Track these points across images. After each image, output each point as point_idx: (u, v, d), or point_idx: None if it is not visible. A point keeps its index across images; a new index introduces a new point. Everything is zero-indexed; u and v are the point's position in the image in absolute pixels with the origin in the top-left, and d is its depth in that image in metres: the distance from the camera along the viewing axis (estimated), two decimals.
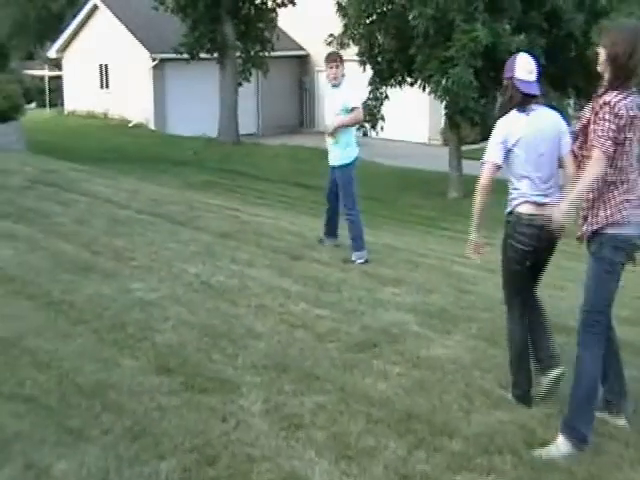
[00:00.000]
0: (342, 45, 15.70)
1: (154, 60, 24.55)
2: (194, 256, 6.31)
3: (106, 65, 26.85)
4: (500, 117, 3.99)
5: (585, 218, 3.57)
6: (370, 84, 15.34)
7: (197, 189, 12.20)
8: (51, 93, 32.34)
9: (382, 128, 15.41)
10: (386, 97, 15.37)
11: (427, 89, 15.27)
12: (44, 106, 32.02)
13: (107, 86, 27.03)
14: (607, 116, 3.45)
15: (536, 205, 3.84)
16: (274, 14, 22.26)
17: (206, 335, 4.48)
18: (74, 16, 29.06)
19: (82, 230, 6.80)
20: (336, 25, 16.45)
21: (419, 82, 15.15)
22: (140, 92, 24.84)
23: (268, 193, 13.97)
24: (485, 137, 16.77)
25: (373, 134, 15.53)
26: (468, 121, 14.95)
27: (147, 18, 23.32)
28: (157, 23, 23.10)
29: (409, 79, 15.47)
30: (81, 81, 27.89)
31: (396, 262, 6.94)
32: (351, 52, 15.99)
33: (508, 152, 3.88)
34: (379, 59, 14.87)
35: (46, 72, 32.54)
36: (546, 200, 3.82)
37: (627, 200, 3.50)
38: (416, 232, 11.33)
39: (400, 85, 15.58)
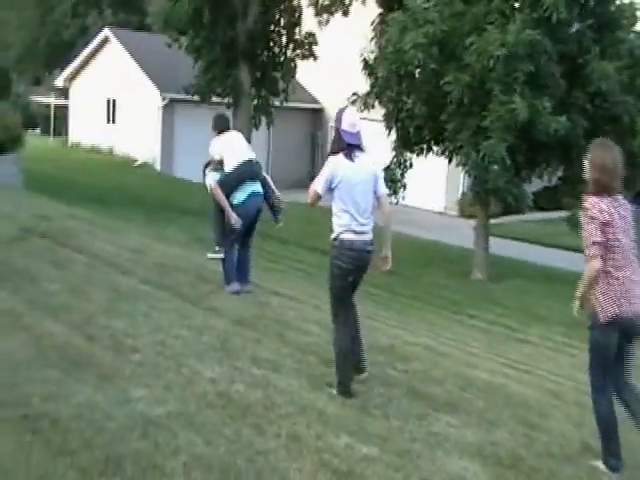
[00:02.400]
0: (366, 105, 14.89)
1: (164, 99, 23.78)
2: (208, 351, 5.21)
3: (114, 100, 26.05)
4: (330, 156, 4.82)
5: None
6: (394, 149, 14.44)
7: (205, 247, 11.10)
8: (56, 121, 31.56)
9: (403, 197, 14.49)
10: (411, 165, 14.47)
11: (454, 161, 14.42)
12: (48, 133, 31.19)
13: (114, 121, 26.19)
14: (586, 219, 4.21)
15: (355, 233, 4.79)
16: (292, 64, 21.54)
17: None
18: (85, 45, 28.43)
19: (76, 304, 5.69)
20: (354, 80, 15.70)
21: (447, 152, 14.27)
22: (147, 131, 23.99)
23: (281, 257, 12.93)
24: (507, 211, 15.80)
25: (392, 200, 14.59)
26: (501, 202, 14.06)
27: (159, 56, 22.64)
28: (169, 62, 22.41)
29: (436, 148, 14.59)
30: (87, 113, 27.09)
31: (444, 375, 5.84)
32: (374, 113, 15.21)
33: (332, 189, 4.76)
34: (406, 124, 13.98)
35: (53, 100, 31.79)
36: (363, 229, 4.80)
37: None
38: (444, 320, 10.26)
39: (426, 153, 14.68)
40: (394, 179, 14.21)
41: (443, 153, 14.23)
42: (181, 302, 6.39)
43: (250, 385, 4.69)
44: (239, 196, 6.97)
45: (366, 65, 14.88)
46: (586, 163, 4.32)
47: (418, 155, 14.53)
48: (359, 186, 4.74)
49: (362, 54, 14.73)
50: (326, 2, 19.69)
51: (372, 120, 19.83)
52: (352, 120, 4.79)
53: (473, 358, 7.17)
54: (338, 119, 4.81)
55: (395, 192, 14.18)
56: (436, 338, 8.03)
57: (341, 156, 4.75)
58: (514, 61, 11.85)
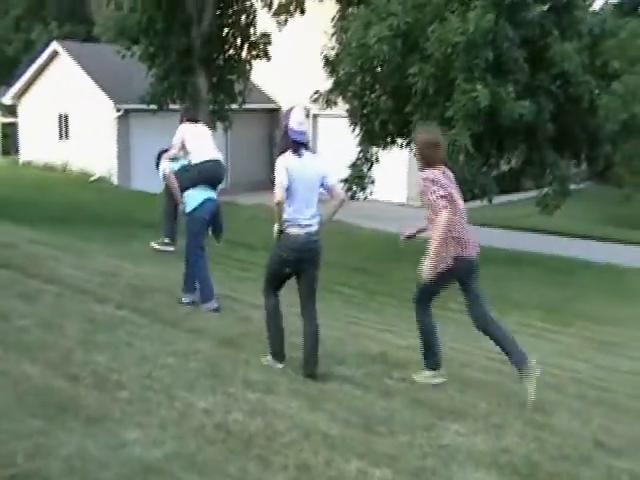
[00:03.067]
0: (328, 102, 14.68)
1: (118, 110, 23.23)
2: (198, 379, 4.93)
3: (66, 115, 25.38)
4: (278, 156, 5.13)
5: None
6: (359, 145, 14.25)
7: (176, 262, 10.79)
8: (4, 140, 30.69)
9: (371, 193, 14.32)
10: (377, 160, 14.30)
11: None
12: (3, 154, 30.34)
13: (67, 137, 25.53)
14: (427, 183, 5.16)
15: (300, 227, 5.11)
16: (248, 66, 21.21)
17: None
18: (31, 61, 27.67)
19: (51, 340, 5.35)
20: (309, 78, 15.49)
21: (412, 144, 14.12)
22: (102, 144, 23.43)
23: (252, 264, 12.61)
24: (474, 196, 15.65)
25: (361, 196, 14.43)
26: (468, 193, 13.95)
27: (111, 66, 22.13)
28: (121, 72, 21.89)
29: (400, 140, 14.44)
30: (39, 130, 26.36)
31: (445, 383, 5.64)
32: (337, 109, 15.01)
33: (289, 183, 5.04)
34: (372, 118, 13.78)
35: (5, 119, 30.89)
36: (309, 221, 5.13)
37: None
38: None
39: (391, 147, 14.52)
40: (361, 175, 14.03)
41: (408, 145, 14.07)
42: (162, 326, 6.09)
43: (248, 413, 4.43)
44: (191, 201, 6.72)
45: (327, 62, 14.66)
46: (413, 144, 5.40)
47: (384, 149, 14.36)
48: (306, 182, 5.08)
49: (322, 51, 14.50)
50: (282, 1, 19.39)
51: (334, 117, 19.75)
52: (300, 119, 5.08)
53: (463, 356, 7.01)
54: (286, 117, 5.12)
55: (363, 188, 14.01)
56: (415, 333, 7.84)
57: (289, 154, 5.08)
58: (474, 48, 11.74)
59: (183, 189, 6.73)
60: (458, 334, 7.96)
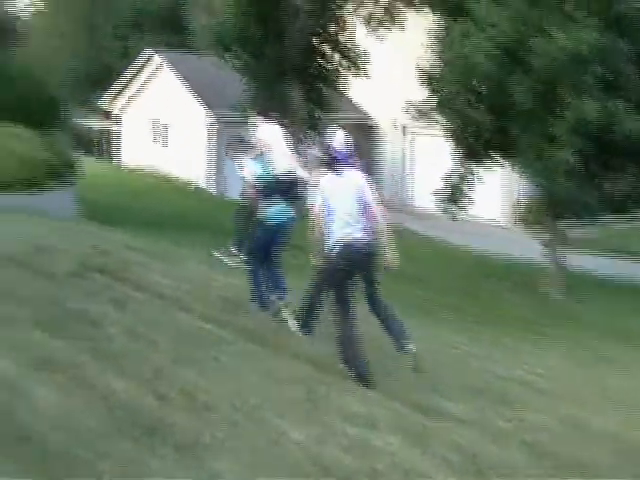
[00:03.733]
0: (422, 114, 14.23)
1: (214, 119, 23.46)
2: (292, 405, 4.61)
3: (165, 122, 25.88)
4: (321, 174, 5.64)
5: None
6: (461, 163, 13.70)
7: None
8: (107, 145, 31.60)
9: (468, 211, 13.78)
10: (479, 178, 13.72)
11: (512, 168, 13.67)
12: (100, 157, 31.25)
13: (166, 144, 26.02)
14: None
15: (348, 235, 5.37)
16: (342, 79, 20.94)
17: None
18: (130, 69, 28.40)
19: (140, 351, 5.16)
20: (404, 94, 15.04)
21: (511, 161, 13.50)
22: (199, 153, 23.69)
23: None
24: (576, 215, 14.58)
25: (458, 214, 13.91)
26: (574, 217, 13.24)
27: (206, 75, 22.36)
28: (217, 81, 22.10)
29: (500, 158, 13.83)
30: (139, 137, 27.02)
31: (555, 422, 5.13)
32: (431, 127, 14.55)
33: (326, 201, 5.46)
34: (473, 136, 13.21)
35: (103, 124, 31.84)
36: (357, 235, 5.37)
37: None
38: (522, 342, 9.49)
39: (490, 164, 13.93)
40: (459, 193, 13.51)
41: (512, 165, 13.40)
42: (251, 343, 5.82)
43: (346, 449, 4.07)
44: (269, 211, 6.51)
45: (425, 76, 14.22)
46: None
47: (485, 168, 13.78)
48: (350, 197, 5.42)
49: (420, 65, 14.08)
50: (380, 16, 19.07)
51: (431, 135, 19.23)
52: (344, 140, 5.59)
53: (575, 394, 6.43)
54: (329, 138, 5.64)
55: (461, 206, 13.49)
56: (526, 369, 7.31)
57: (331, 173, 5.53)
58: (582, 64, 11.09)
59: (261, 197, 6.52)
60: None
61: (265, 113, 7.12)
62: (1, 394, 4.17)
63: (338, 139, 5.54)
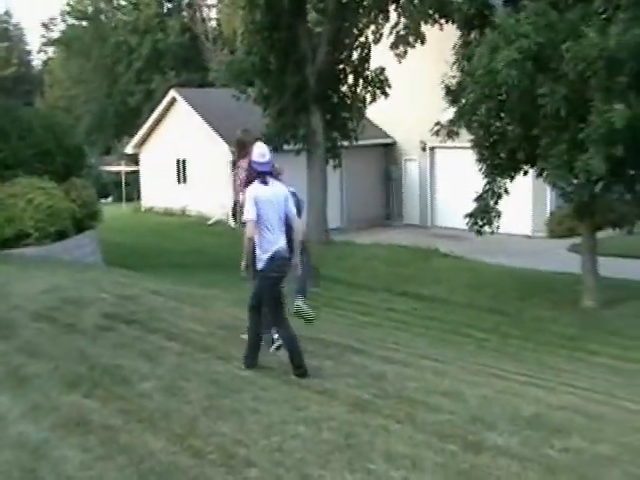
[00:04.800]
0: (450, 134, 14.03)
1: (232, 152, 23.49)
2: (333, 452, 4.39)
3: (184, 160, 26.03)
4: (246, 186, 5.95)
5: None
6: (486, 176, 13.45)
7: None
8: (127, 187, 31.93)
9: (498, 227, 13.48)
10: (506, 191, 13.45)
11: (544, 180, 13.33)
12: (120, 200, 31.55)
13: (185, 181, 26.15)
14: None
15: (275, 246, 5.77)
16: (362, 104, 20.87)
17: None
18: (152, 109, 28.69)
19: (174, 407, 4.98)
20: (425, 111, 14.84)
21: (540, 172, 13.15)
22: (219, 187, 23.73)
23: (372, 307, 12.09)
24: (612, 225, 14.15)
25: (487, 230, 13.61)
26: (609, 225, 12.85)
27: (224, 110, 22.44)
28: (236, 115, 22.14)
29: (529, 169, 13.55)
30: (158, 176, 27.19)
31: (614, 451, 4.81)
32: (460, 140, 14.35)
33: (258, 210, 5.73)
34: (499, 148, 12.96)
35: (123, 167, 32.21)
36: (282, 244, 5.81)
37: None
38: (565, 361, 9.19)
39: (517, 175, 13.65)
40: (488, 209, 13.24)
41: (539, 175, 13.07)
42: (288, 388, 5.61)
43: None
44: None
45: (449, 91, 14.04)
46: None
47: (512, 180, 13.51)
48: (274, 207, 5.73)
49: (443, 80, 13.91)
50: (401, 33, 18.98)
51: (452, 148, 19.03)
52: (262, 152, 5.81)
53: (631, 416, 6.11)
54: (250, 153, 6.01)
55: (490, 222, 13.21)
56: (575, 392, 6.98)
57: (257, 183, 5.76)
58: (616, 65, 10.77)
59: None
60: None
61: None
62: (29, 459, 4.05)
63: (256, 151, 5.82)
